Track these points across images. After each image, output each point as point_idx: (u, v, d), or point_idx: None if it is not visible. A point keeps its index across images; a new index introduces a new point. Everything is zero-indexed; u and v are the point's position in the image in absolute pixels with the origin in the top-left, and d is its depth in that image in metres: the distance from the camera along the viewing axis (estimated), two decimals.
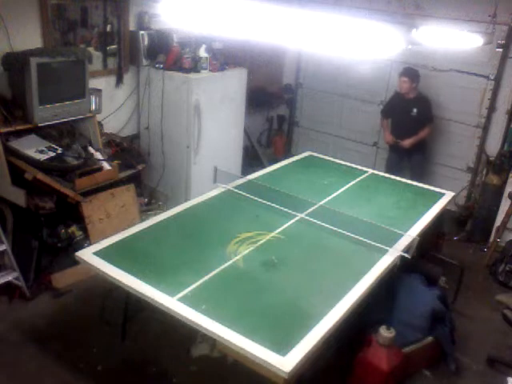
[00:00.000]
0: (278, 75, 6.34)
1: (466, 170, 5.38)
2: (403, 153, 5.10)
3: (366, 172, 4.48)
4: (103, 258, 2.77)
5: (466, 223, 5.17)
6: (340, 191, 4.00)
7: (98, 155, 3.94)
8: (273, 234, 3.20)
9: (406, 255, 3.05)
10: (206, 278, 2.69)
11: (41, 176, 3.42)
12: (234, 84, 4.83)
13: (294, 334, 2.31)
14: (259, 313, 2.48)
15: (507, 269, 4.25)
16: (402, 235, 3.23)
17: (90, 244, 3.54)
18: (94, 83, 4.05)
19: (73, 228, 3.76)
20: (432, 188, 4.25)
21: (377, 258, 3.02)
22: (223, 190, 3.76)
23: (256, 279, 2.75)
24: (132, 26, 4.46)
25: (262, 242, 3.10)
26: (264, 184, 3.83)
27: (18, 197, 3.43)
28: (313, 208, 3.56)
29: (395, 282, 3.23)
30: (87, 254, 2.82)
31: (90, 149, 3.92)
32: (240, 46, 4.99)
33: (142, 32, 4.41)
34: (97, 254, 2.82)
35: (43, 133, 3.71)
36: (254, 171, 4.29)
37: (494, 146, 5.07)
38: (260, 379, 2.22)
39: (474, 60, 4.96)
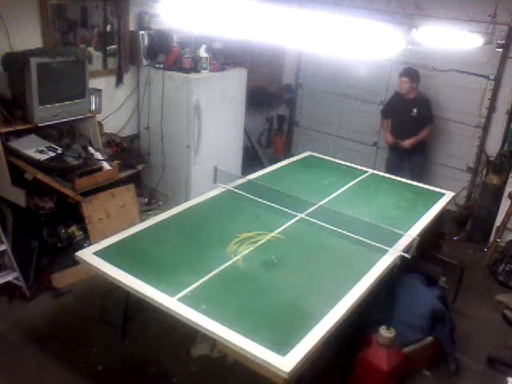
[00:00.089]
0: (277, 75, 6.34)
1: (466, 170, 5.39)
2: (403, 153, 5.10)
3: (366, 172, 4.48)
4: (103, 258, 2.77)
5: (466, 223, 5.17)
6: (340, 191, 4.00)
7: (98, 155, 3.94)
8: (273, 234, 3.20)
9: (406, 255, 3.05)
10: (206, 278, 2.69)
11: (41, 176, 3.42)
12: (234, 84, 4.83)
13: (294, 333, 2.31)
14: (259, 313, 2.49)
15: (507, 269, 4.25)
16: (402, 235, 3.23)
17: (90, 244, 3.54)
18: (94, 83, 4.05)
19: (73, 228, 3.76)
20: (432, 188, 4.25)
21: (377, 258, 3.02)
22: (223, 189, 3.76)
23: (256, 279, 2.75)
24: (132, 26, 4.46)
25: (261, 241, 3.10)
26: (264, 184, 3.83)
27: (18, 197, 3.43)
28: (313, 208, 3.56)
29: (395, 282, 3.23)
30: (87, 254, 2.82)
31: (90, 149, 3.92)
32: (240, 46, 4.99)
33: (142, 32, 4.41)
34: (97, 253, 2.82)
35: (43, 133, 3.71)
36: (254, 171, 4.29)
37: (494, 146, 5.07)
38: (260, 379, 2.22)
39: (474, 60, 4.96)
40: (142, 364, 3.06)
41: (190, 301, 2.48)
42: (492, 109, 5.07)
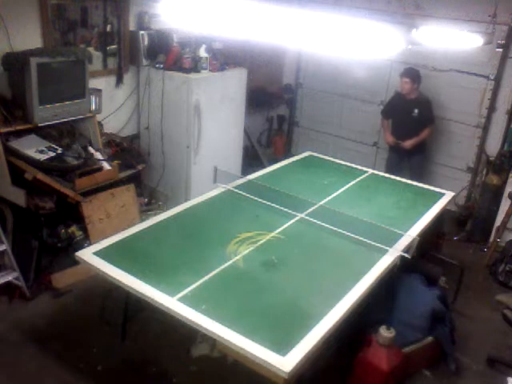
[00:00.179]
0: (278, 75, 6.34)
1: (466, 170, 5.39)
2: (403, 153, 5.09)
3: (366, 172, 4.48)
4: (103, 258, 2.77)
5: (466, 223, 5.17)
6: (340, 191, 4.00)
7: (98, 155, 3.94)
8: (273, 234, 3.20)
9: (406, 255, 3.05)
10: (206, 278, 2.69)
11: (41, 176, 3.42)
12: (234, 84, 4.83)
13: (294, 334, 2.31)
14: (259, 313, 2.49)
15: (507, 269, 4.25)
16: (402, 235, 3.23)
17: (90, 244, 3.54)
18: (94, 83, 4.05)
19: (73, 228, 3.76)
20: (432, 188, 4.25)
21: (377, 258, 3.02)
22: (223, 189, 3.76)
23: (256, 279, 2.75)
24: (132, 26, 4.46)
25: (261, 242, 3.10)
26: (264, 184, 3.83)
27: (18, 197, 3.43)
28: (313, 208, 3.56)
29: (395, 282, 3.23)
30: (87, 254, 2.82)
31: (90, 149, 3.92)
32: (240, 46, 4.99)
33: (142, 32, 4.41)
34: (97, 253, 2.82)
35: (43, 133, 3.71)
36: (254, 171, 4.29)
37: (494, 146, 5.07)
38: (260, 379, 2.22)
39: (474, 60, 4.96)
40: (142, 364, 3.06)
41: (190, 301, 2.48)
42: (492, 109, 5.07)
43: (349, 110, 6.07)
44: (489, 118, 5.10)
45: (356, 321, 2.75)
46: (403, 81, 4.86)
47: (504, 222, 4.55)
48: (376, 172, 4.54)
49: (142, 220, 3.87)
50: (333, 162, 4.70)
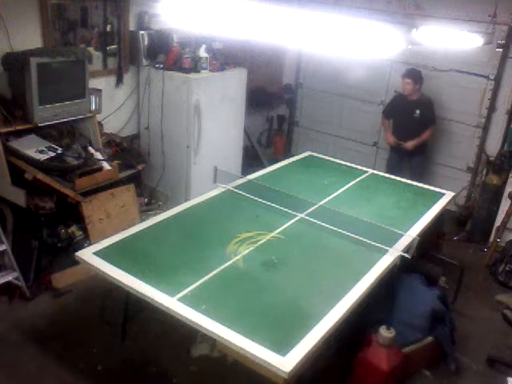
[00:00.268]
0: (278, 75, 6.34)
1: (466, 170, 5.39)
2: (404, 153, 5.08)
3: (366, 172, 4.48)
4: (103, 258, 2.77)
5: (466, 223, 5.17)
6: (340, 191, 4.00)
7: (98, 155, 3.94)
8: (273, 234, 3.20)
9: (406, 255, 3.05)
10: (206, 277, 2.69)
11: (41, 176, 3.42)
12: (234, 84, 4.83)
13: (294, 334, 2.31)
14: (259, 313, 2.48)
15: (507, 269, 4.25)
16: (402, 235, 3.23)
17: (90, 244, 3.54)
18: (94, 83, 4.05)
19: (73, 228, 3.76)
20: (432, 188, 4.25)
21: (377, 258, 3.02)
22: (223, 189, 3.76)
23: (256, 279, 2.75)
24: (132, 26, 4.46)
25: (261, 242, 3.10)
26: (264, 184, 3.83)
27: (18, 197, 3.43)
28: (313, 208, 3.56)
29: (395, 282, 3.23)
30: (87, 254, 2.82)
31: (90, 149, 3.92)
32: (240, 46, 4.99)
33: (142, 32, 4.41)
34: (97, 253, 2.82)
35: (43, 133, 3.71)
36: (254, 171, 4.29)
37: (494, 146, 5.07)
38: (260, 379, 2.22)
39: (474, 60, 4.96)
40: (142, 364, 3.06)
41: (190, 301, 2.48)
42: (492, 109, 5.07)
43: (349, 110, 6.07)
44: (489, 118, 5.10)
45: (356, 321, 2.75)
46: (405, 82, 4.83)
47: (504, 222, 4.55)
48: (376, 172, 4.54)
49: (142, 220, 3.87)
50: (333, 162, 4.70)
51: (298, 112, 6.60)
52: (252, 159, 5.91)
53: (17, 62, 3.41)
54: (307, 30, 2.42)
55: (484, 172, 5.15)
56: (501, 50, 4.70)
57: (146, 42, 4.47)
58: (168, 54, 4.52)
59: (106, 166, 3.91)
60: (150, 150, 4.82)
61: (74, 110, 3.75)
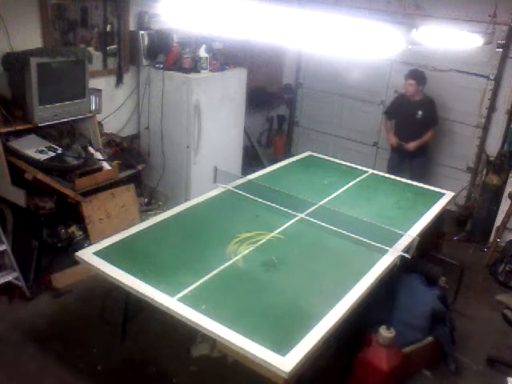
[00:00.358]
0: (278, 75, 6.34)
1: (466, 170, 5.39)
2: (405, 154, 5.05)
3: (366, 172, 4.48)
4: (103, 258, 2.77)
5: (466, 223, 5.17)
6: (340, 191, 4.00)
7: (98, 155, 3.94)
8: (273, 234, 3.20)
9: (406, 255, 3.05)
10: (206, 278, 2.69)
11: (41, 176, 3.42)
12: (234, 84, 4.83)
13: (294, 334, 2.31)
14: (259, 313, 2.48)
15: (507, 269, 4.25)
16: (402, 235, 3.23)
17: (90, 244, 3.54)
18: (94, 83, 4.05)
19: (73, 228, 3.76)
20: (432, 188, 4.25)
21: (377, 258, 3.02)
22: (223, 189, 3.76)
23: (256, 279, 2.75)
24: (132, 26, 4.46)
25: (262, 242, 3.10)
26: (264, 184, 3.83)
27: (18, 197, 3.43)
28: (313, 208, 3.56)
29: (395, 282, 3.23)
30: (87, 254, 2.82)
31: (90, 149, 3.92)
32: (240, 46, 4.99)
33: (141, 32, 4.41)
34: (97, 253, 2.82)
35: (43, 133, 3.71)
36: (254, 171, 4.29)
37: (494, 146, 5.07)
38: (260, 379, 2.22)
39: (474, 60, 4.96)
40: (142, 364, 3.06)
41: (190, 301, 2.48)
42: (492, 109, 5.07)
43: (349, 110, 6.07)
44: (489, 118, 5.10)
45: (356, 321, 2.75)
46: (408, 83, 4.81)
47: (504, 222, 4.55)
48: (376, 172, 4.54)
49: (142, 220, 3.87)
50: (333, 162, 4.70)
51: (298, 112, 6.60)
52: (252, 159, 5.91)
53: (17, 62, 3.41)
54: (307, 30, 2.42)
55: (484, 172, 5.15)
56: (501, 50, 4.70)
57: (146, 42, 4.47)
58: (168, 54, 4.52)
59: (106, 166, 3.91)
60: (150, 150, 4.82)
61: (73, 110, 3.75)
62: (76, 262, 2.89)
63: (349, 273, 2.87)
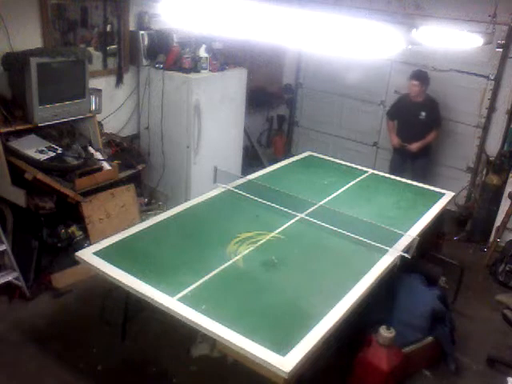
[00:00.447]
0: (278, 75, 6.34)
1: (466, 170, 5.39)
2: (407, 155, 5.03)
3: (366, 172, 4.48)
4: (103, 258, 2.77)
5: (466, 223, 5.17)
6: (340, 191, 4.00)
7: (98, 155, 3.94)
8: (273, 234, 3.20)
9: (406, 255, 3.05)
10: (206, 278, 2.69)
11: (41, 176, 3.42)
12: (234, 84, 4.83)
13: (294, 334, 2.31)
14: (259, 313, 2.49)
15: (507, 269, 4.25)
16: (402, 235, 3.23)
17: (90, 244, 3.54)
18: (94, 83, 4.05)
19: (73, 228, 3.76)
20: (432, 188, 4.25)
21: (377, 257, 3.02)
22: (223, 189, 3.76)
23: (256, 279, 2.75)
24: (132, 26, 4.46)
25: (262, 242, 3.10)
26: (264, 184, 3.83)
27: (18, 197, 3.43)
28: (313, 208, 3.56)
29: (395, 282, 3.23)
30: (87, 254, 2.82)
31: (90, 149, 3.92)
32: (240, 46, 4.99)
33: (142, 32, 4.41)
34: (97, 253, 2.82)
35: (43, 133, 3.71)
36: (254, 171, 4.29)
37: (494, 146, 5.07)
38: (260, 379, 2.22)
39: (474, 60, 4.96)
40: (142, 364, 3.06)
41: (190, 301, 2.48)
42: (492, 109, 5.07)
43: (349, 110, 6.07)
44: (489, 118, 5.10)
45: (356, 321, 2.75)
46: (412, 83, 4.79)
47: (504, 222, 4.55)
48: (376, 172, 4.54)
49: (142, 220, 3.87)
50: (333, 162, 4.70)
51: (298, 112, 6.59)
52: (252, 159, 5.91)
53: (17, 62, 3.41)
54: (307, 30, 2.42)
55: (484, 172, 5.15)
56: (501, 50, 4.70)
57: (146, 42, 4.47)
58: (168, 54, 4.52)
59: (106, 166, 3.91)
60: (150, 150, 4.82)
61: (73, 110, 3.75)
62: (76, 262, 2.89)
63: (349, 273, 2.88)
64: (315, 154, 4.83)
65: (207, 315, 2.37)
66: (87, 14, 4.07)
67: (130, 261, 2.78)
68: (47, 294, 3.61)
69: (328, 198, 3.82)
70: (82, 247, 3.38)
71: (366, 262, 2.96)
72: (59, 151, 3.65)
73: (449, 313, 3.32)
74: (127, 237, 3.04)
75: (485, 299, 3.95)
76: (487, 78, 5.01)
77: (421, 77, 4.80)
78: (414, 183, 4.32)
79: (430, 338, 3.14)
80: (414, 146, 4.92)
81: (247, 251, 2.98)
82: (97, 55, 4.22)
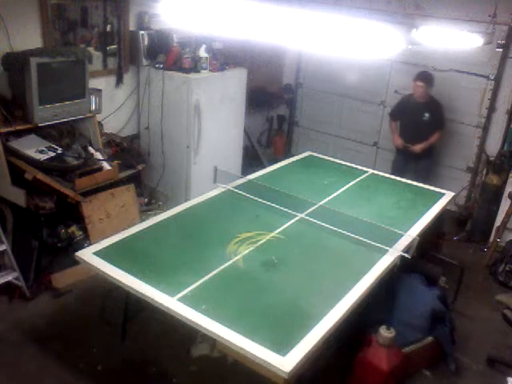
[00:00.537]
0: (278, 75, 6.34)
1: (466, 170, 5.39)
2: (410, 156, 5.01)
3: (366, 172, 4.48)
4: (103, 258, 2.77)
5: (466, 223, 5.17)
6: (340, 191, 4.00)
7: (98, 155, 3.94)
8: (273, 234, 3.20)
9: (406, 255, 3.05)
10: (206, 278, 2.69)
11: (41, 176, 3.42)
12: (234, 84, 4.83)
13: (294, 334, 2.31)
14: (259, 313, 2.49)
15: (507, 269, 4.25)
16: (402, 235, 3.23)
17: (90, 244, 3.54)
18: (94, 83, 4.05)
19: (73, 228, 3.76)
20: (432, 188, 4.25)
21: (377, 257, 3.02)
22: (223, 189, 3.76)
23: (256, 279, 2.75)
24: (132, 26, 4.46)
25: (261, 242, 3.10)
26: (264, 184, 3.83)
27: (18, 197, 3.43)
28: (313, 208, 3.56)
29: (395, 282, 3.23)
30: (87, 254, 2.82)
31: (90, 149, 3.92)
32: (240, 46, 4.99)
33: (142, 32, 4.41)
34: (97, 253, 2.82)
35: (43, 133, 3.71)
36: (254, 171, 4.29)
37: (494, 146, 5.07)
38: (260, 379, 2.22)
39: (474, 60, 4.96)
40: (142, 364, 3.06)
41: (190, 301, 2.48)
42: (492, 109, 5.07)
43: (349, 110, 6.07)
44: (489, 118, 5.10)
45: (356, 321, 2.75)
46: (417, 84, 4.77)
47: (504, 222, 4.55)
48: (376, 172, 4.54)
49: (142, 220, 3.87)
50: (333, 162, 4.70)
51: (298, 112, 6.59)
52: (252, 159, 5.91)
53: (17, 62, 3.41)
54: (307, 30, 2.42)
55: (484, 172, 5.15)
56: (501, 50, 4.70)
57: (146, 42, 4.47)
58: (168, 54, 4.52)
59: (106, 166, 3.91)
60: (150, 150, 4.82)
61: (74, 110, 3.75)
62: (76, 262, 2.89)
63: (349, 273, 2.88)
64: (315, 154, 4.83)
65: (207, 315, 2.37)
66: (87, 14, 4.07)
67: (130, 261, 2.78)
68: (47, 293, 3.61)
69: (328, 198, 3.82)
70: (82, 247, 3.38)
71: (365, 262, 2.96)
72: (59, 151, 3.65)
73: (449, 313, 3.32)
74: (127, 237, 3.04)
75: (485, 299, 3.95)
76: (487, 77, 5.01)
77: (426, 78, 4.78)
78: (414, 183, 4.32)
79: (429, 338, 3.14)
80: (418, 147, 4.90)
81: (247, 251, 2.98)
82: (97, 55, 4.22)
